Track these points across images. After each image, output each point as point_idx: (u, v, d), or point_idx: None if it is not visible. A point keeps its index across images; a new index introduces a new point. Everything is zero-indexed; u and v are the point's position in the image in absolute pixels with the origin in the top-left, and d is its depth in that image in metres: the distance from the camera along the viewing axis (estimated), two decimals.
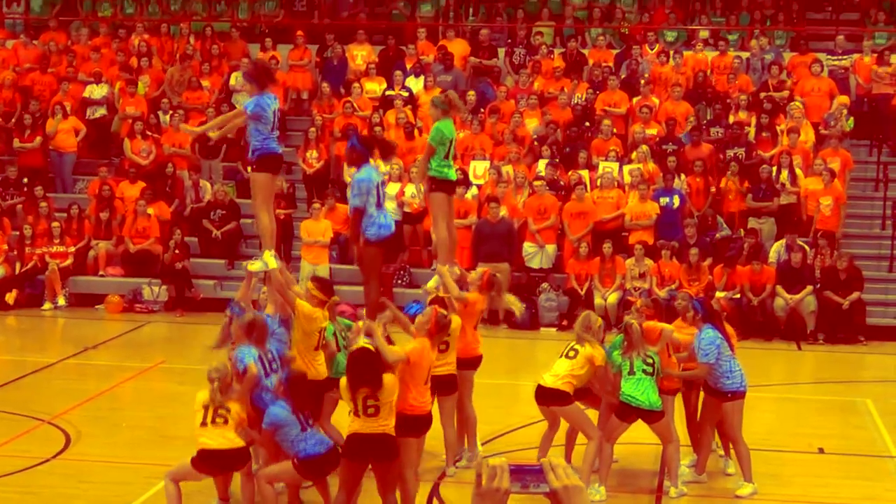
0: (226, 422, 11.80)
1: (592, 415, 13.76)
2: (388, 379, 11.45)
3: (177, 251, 23.49)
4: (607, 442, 13.22)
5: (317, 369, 12.56)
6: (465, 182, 23.59)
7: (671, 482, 13.44)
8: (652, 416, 13.18)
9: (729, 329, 13.95)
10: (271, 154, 12.65)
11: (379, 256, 12.57)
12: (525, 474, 4.75)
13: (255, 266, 12.43)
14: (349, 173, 13.41)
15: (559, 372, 13.09)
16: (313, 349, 12.65)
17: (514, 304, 14.82)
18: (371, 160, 12.88)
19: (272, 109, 12.52)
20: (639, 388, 13.02)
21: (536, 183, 23.26)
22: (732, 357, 13.40)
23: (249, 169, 13.26)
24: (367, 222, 12.41)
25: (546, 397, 13.20)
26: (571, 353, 13.13)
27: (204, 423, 11.80)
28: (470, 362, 13.65)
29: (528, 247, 22.95)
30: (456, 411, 13.81)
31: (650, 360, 13.07)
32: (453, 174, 13.87)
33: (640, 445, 14.23)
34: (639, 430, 13.50)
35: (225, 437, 11.81)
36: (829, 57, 26.68)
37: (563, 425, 13.68)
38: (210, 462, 11.92)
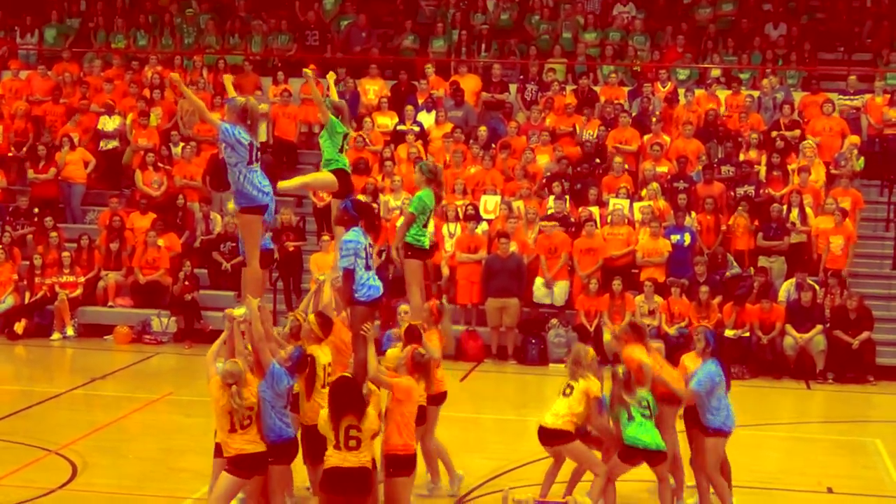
0: (252, 425, 11.74)
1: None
2: (371, 410, 11.46)
3: (186, 283, 23.50)
4: (609, 482, 13.19)
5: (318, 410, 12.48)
6: (476, 217, 23.63)
7: None
8: (657, 458, 13.17)
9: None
10: (257, 206, 12.73)
11: (369, 316, 12.65)
12: None
13: (239, 311, 12.34)
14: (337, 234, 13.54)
15: (559, 411, 13.19)
16: (319, 387, 12.67)
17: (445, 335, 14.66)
18: (359, 225, 12.98)
19: (247, 142, 12.56)
20: (642, 431, 13.02)
21: (543, 223, 23.23)
22: (725, 396, 13.38)
23: (236, 208, 13.26)
24: (356, 284, 12.52)
25: (549, 437, 13.29)
26: (568, 391, 13.24)
27: (233, 430, 11.69)
28: (434, 399, 13.65)
29: (539, 281, 22.93)
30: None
31: (645, 403, 13.08)
32: (427, 242, 14.19)
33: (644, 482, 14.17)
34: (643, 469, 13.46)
35: (256, 441, 11.75)
36: (840, 97, 26.69)
37: (570, 461, 13.66)
38: (245, 466, 11.78)
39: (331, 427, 11.29)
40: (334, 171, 13.89)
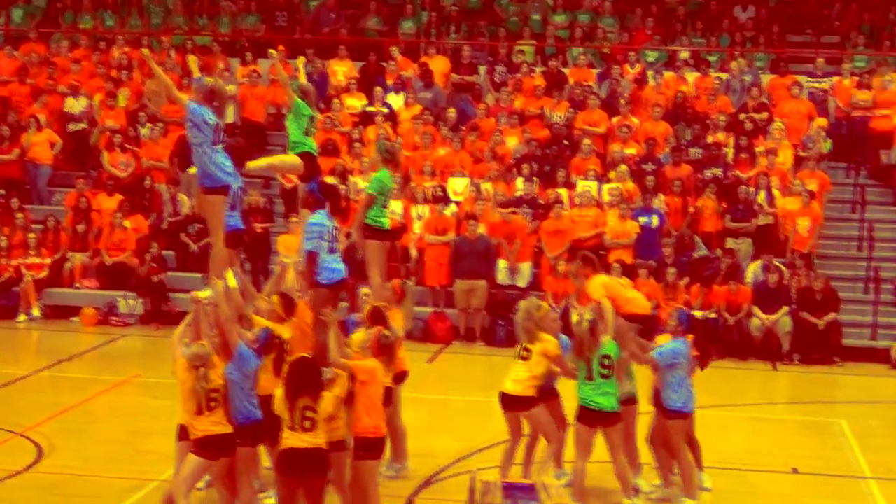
0: (219, 407, 11.70)
1: None
2: (328, 394, 11.44)
3: (153, 264, 23.44)
4: (582, 459, 13.21)
5: (276, 384, 12.44)
6: (444, 199, 23.63)
7: (625, 495, 13.46)
8: (612, 419, 13.17)
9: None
10: (221, 187, 12.66)
11: (330, 299, 12.63)
12: (517, 491, 4.78)
13: (204, 293, 12.29)
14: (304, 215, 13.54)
15: (519, 377, 13.28)
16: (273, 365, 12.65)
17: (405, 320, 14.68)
18: (325, 208, 12.95)
19: (213, 123, 12.50)
20: (599, 391, 13.05)
21: (500, 210, 23.22)
22: (686, 377, 13.43)
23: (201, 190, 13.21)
24: (319, 266, 12.50)
25: (511, 404, 13.38)
26: (525, 354, 13.33)
27: (199, 412, 11.63)
28: (395, 378, 13.66)
29: (502, 264, 22.94)
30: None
31: (606, 362, 13.07)
32: (387, 223, 14.24)
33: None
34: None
35: (223, 423, 11.72)
36: (808, 79, 26.77)
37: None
38: (213, 448, 11.72)
39: (286, 407, 11.25)
40: (300, 154, 13.86)
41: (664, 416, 13.50)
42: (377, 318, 13.06)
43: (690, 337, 13.61)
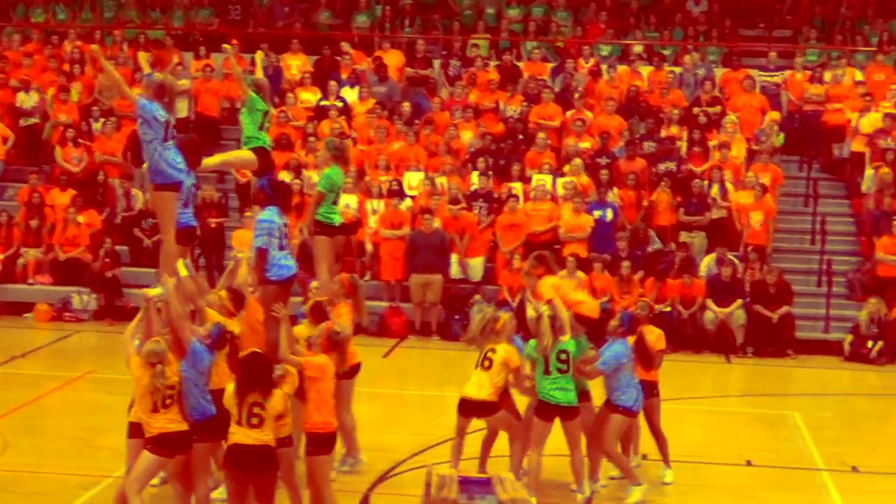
0: (174, 404, 11.64)
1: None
2: (278, 391, 11.42)
3: (107, 260, 23.33)
4: (535, 449, 13.28)
5: (225, 378, 12.40)
6: (400, 193, 23.62)
7: (578, 488, 13.54)
8: (570, 413, 13.24)
9: (655, 339, 14.22)
10: (172, 184, 12.60)
11: (280, 296, 12.60)
12: (473, 485, 4.78)
13: (154, 290, 12.24)
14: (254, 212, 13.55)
15: (482, 383, 13.26)
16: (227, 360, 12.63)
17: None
18: (276, 204, 12.92)
19: (164, 119, 12.44)
20: (556, 385, 13.11)
21: (450, 206, 23.23)
22: (633, 376, 13.49)
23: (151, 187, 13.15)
24: (268, 263, 12.48)
25: (473, 410, 13.38)
26: (486, 364, 13.31)
27: (155, 409, 11.55)
28: (347, 372, 13.65)
29: (455, 258, 22.98)
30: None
31: (563, 357, 13.12)
32: (338, 219, 14.25)
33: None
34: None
35: (179, 421, 11.66)
36: (761, 73, 26.93)
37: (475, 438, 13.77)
38: (168, 445, 11.65)
39: (235, 402, 11.22)
40: (254, 149, 13.82)
41: (609, 409, 13.56)
42: (318, 313, 13.07)
43: (631, 339, 13.66)
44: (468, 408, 13.40)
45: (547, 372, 13.12)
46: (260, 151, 13.84)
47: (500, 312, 13.93)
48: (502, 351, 13.28)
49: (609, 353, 13.46)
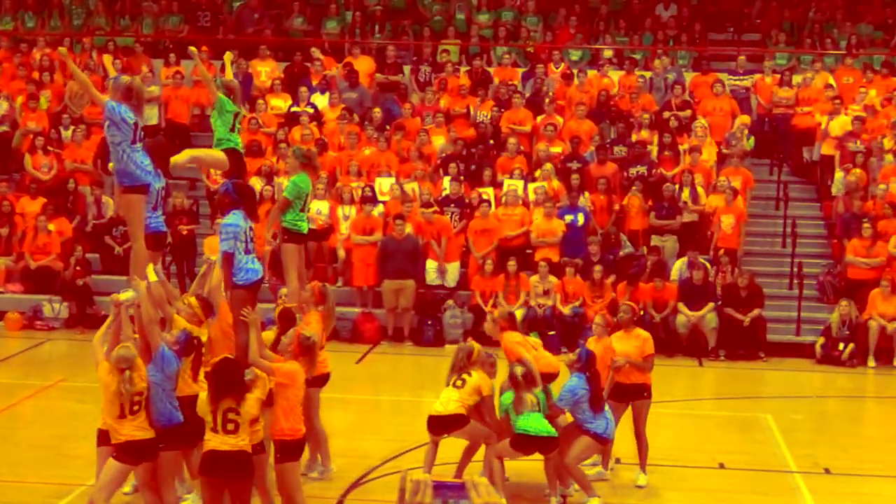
0: (141, 410, 11.60)
1: None
2: (251, 395, 11.42)
3: (78, 268, 23.24)
4: (497, 458, 13.41)
5: (193, 386, 12.37)
6: (372, 199, 23.60)
7: (551, 493, 13.65)
8: (550, 444, 13.35)
9: (643, 342, 14.45)
10: (140, 186, 12.56)
11: (248, 300, 12.55)
12: (447, 490, 4.76)
13: (125, 295, 12.20)
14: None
15: (449, 398, 13.33)
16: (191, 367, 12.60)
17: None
18: (241, 208, 12.87)
19: (132, 121, 12.40)
20: (531, 421, 13.18)
21: (423, 210, 23.25)
22: (589, 408, 13.48)
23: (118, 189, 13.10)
24: (235, 267, 12.44)
25: (442, 425, 13.41)
26: (459, 383, 13.38)
27: (122, 416, 11.52)
28: (316, 380, 13.62)
29: (430, 264, 22.97)
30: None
31: (535, 400, 13.25)
32: (306, 227, 14.22)
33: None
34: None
35: (146, 428, 11.63)
36: (730, 77, 27.05)
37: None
38: (134, 453, 11.64)
39: (209, 409, 11.19)
40: (225, 150, 13.80)
41: (581, 431, 13.58)
42: (287, 319, 13.06)
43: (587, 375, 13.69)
44: (436, 424, 13.45)
45: (518, 413, 13.23)
46: (231, 153, 13.81)
47: (471, 344, 13.88)
48: (477, 377, 13.38)
49: (564, 389, 13.55)
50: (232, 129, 13.92)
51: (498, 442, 13.44)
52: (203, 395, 11.31)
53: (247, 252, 12.52)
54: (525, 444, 13.25)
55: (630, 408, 14.39)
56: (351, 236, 23.25)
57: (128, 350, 11.53)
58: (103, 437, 11.87)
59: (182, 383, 12.08)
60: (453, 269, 23.05)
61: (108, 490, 11.66)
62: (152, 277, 12.12)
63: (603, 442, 13.69)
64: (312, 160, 14.43)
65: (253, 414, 11.37)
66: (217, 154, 13.93)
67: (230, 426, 11.16)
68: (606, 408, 13.63)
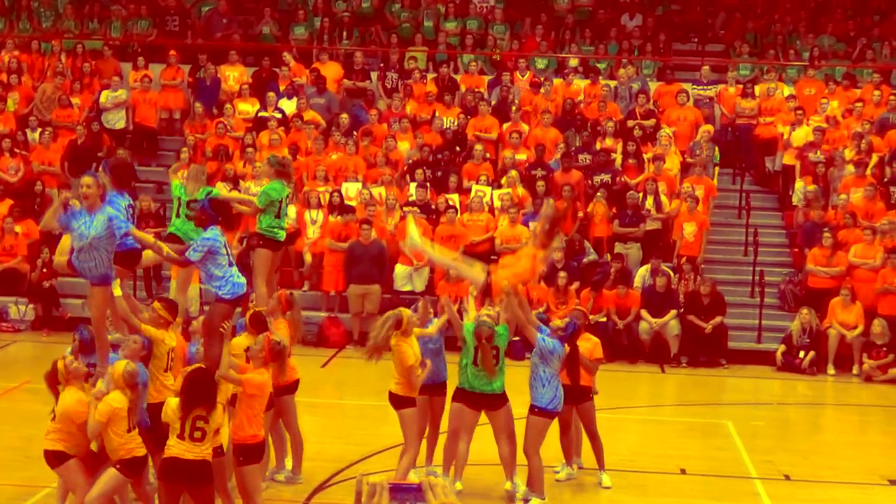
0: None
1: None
2: (219, 405, 11.59)
3: (44, 270, 23.22)
4: (462, 438, 13.71)
5: (163, 392, 12.47)
6: (344, 206, 23.63)
7: (507, 477, 13.98)
8: (495, 401, 13.64)
9: (592, 347, 14.57)
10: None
11: (229, 315, 12.58)
12: (404, 492, 4.86)
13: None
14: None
15: (395, 375, 13.75)
16: (163, 371, 12.70)
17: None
18: (217, 224, 12.93)
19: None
20: (481, 376, 13.51)
21: (407, 209, 23.40)
22: (556, 377, 13.62)
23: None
24: (220, 282, 12.38)
25: (391, 402, 13.82)
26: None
27: (129, 430, 11.71)
28: (288, 388, 13.72)
29: (399, 269, 23.09)
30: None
31: (495, 353, 13.51)
32: (282, 234, 14.36)
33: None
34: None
35: (141, 443, 11.83)
36: (694, 87, 27.28)
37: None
38: (138, 468, 11.93)
39: (178, 416, 11.24)
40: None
41: (529, 412, 13.75)
42: (258, 322, 13.17)
43: (567, 348, 13.85)
44: (390, 399, 13.87)
45: (475, 363, 13.51)
46: (172, 238, 13.96)
47: (400, 311, 13.93)
48: (400, 341, 13.63)
49: (549, 340, 13.64)
50: (178, 215, 14.10)
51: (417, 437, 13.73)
52: (172, 402, 11.39)
53: (230, 265, 12.56)
54: (471, 399, 13.66)
55: (575, 411, 14.51)
56: (321, 241, 23.34)
57: (130, 365, 11.73)
58: (63, 457, 11.97)
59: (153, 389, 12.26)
60: (422, 273, 23.15)
61: (104, 500, 11.83)
62: (117, 292, 12.25)
63: (548, 415, 13.67)
64: (287, 167, 14.51)
65: (219, 423, 11.51)
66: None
67: (197, 434, 11.24)
68: (558, 381, 13.67)
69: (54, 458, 11.98)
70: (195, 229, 13.05)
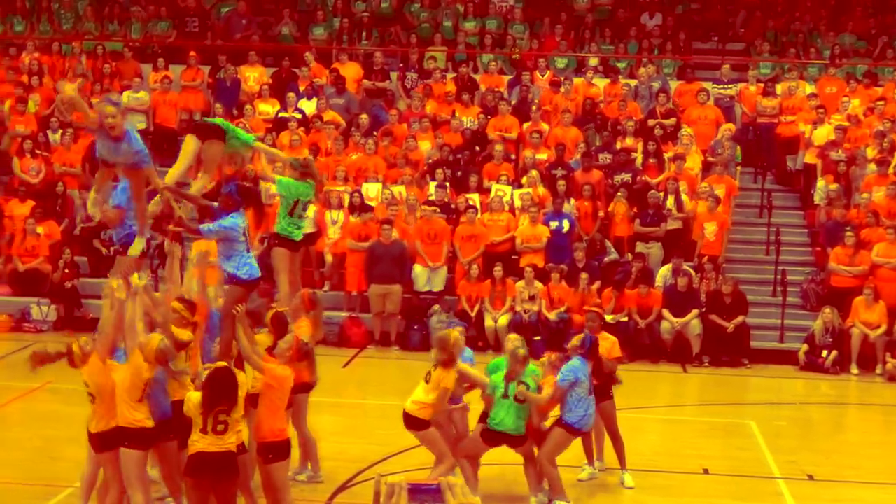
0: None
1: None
2: (240, 401, 11.56)
3: (66, 270, 23.30)
4: (472, 460, 13.63)
5: (184, 390, 12.49)
6: (366, 207, 23.61)
7: (532, 494, 13.81)
8: (517, 441, 13.57)
9: (610, 346, 14.56)
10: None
11: (243, 297, 12.61)
12: (422, 493, 4.86)
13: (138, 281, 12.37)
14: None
15: (418, 398, 13.34)
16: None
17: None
18: (241, 210, 12.95)
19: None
20: (508, 414, 13.38)
21: (425, 207, 23.41)
22: (587, 395, 13.60)
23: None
24: (239, 261, 12.54)
25: (407, 423, 13.44)
26: (427, 377, 13.38)
27: (140, 400, 11.74)
28: (301, 387, 13.70)
29: (418, 269, 23.08)
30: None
31: (524, 388, 13.40)
32: (299, 235, 14.30)
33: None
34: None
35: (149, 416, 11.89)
36: (715, 86, 27.20)
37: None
38: (146, 440, 11.96)
39: (200, 412, 11.26)
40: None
41: (556, 422, 13.74)
42: (279, 323, 13.15)
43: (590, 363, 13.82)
44: (404, 420, 13.47)
45: (505, 395, 13.41)
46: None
47: (448, 332, 13.74)
48: (442, 370, 13.27)
49: (566, 369, 13.62)
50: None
51: (451, 458, 13.45)
52: (194, 398, 11.39)
53: (248, 250, 12.61)
54: (493, 438, 13.49)
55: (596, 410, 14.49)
56: (342, 241, 23.34)
57: (167, 343, 11.82)
58: (102, 441, 11.97)
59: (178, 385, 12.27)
60: (441, 273, 23.13)
61: (143, 484, 11.86)
62: (142, 281, 12.23)
63: (574, 433, 13.70)
64: (310, 168, 14.43)
65: (241, 413, 11.50)
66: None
67: (220, 427, 11.26)
68: (591, 399, 13.70)
69: (99, 441, 11.98)
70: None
